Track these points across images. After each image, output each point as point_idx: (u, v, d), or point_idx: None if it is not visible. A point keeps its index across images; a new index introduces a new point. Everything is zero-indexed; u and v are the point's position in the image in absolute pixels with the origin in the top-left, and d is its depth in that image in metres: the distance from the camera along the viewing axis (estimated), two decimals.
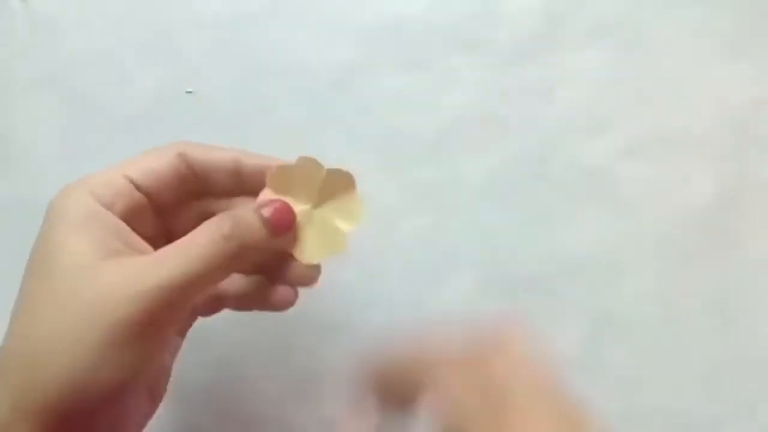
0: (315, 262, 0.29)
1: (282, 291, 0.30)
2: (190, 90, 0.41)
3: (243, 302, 0.30)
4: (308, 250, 0.29)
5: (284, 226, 0.28)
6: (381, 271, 0.39)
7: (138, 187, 0.28)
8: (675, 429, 0.38)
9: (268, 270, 0.30)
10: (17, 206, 0.40)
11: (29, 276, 0.26)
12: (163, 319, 0.25)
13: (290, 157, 0.40)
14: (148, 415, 0.28)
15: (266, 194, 0.29)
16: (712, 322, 0.38)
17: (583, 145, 0.40)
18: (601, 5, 0.40)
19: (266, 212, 0.27)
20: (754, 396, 0.38)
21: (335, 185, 0.29)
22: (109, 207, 0.27)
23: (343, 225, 0.30)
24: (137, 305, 0.24)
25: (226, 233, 0.26)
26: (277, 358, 0.39)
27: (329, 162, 0.29)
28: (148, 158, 0.28)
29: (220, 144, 0.30)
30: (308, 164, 0.29)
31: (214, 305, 0.30)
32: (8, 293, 0.39)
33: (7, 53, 0.41)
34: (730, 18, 0.40)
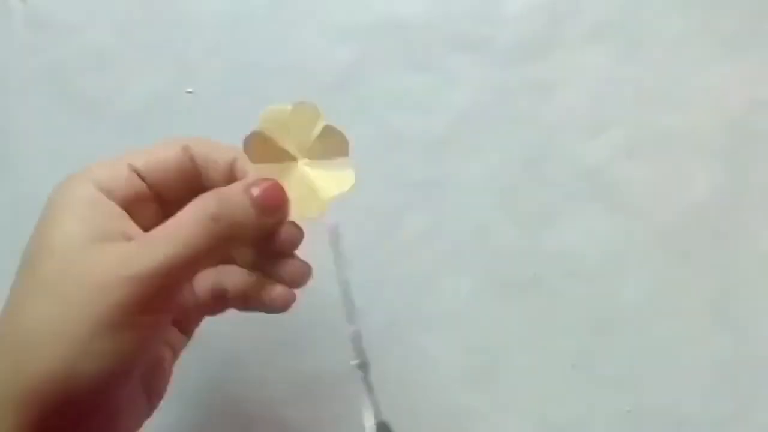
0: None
1: (279, 290, 0.29)
2: (190, 90, 0.41)
3: (244, 300, 0.29)
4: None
5: (274, 206, 0.27)
6: (381, 270, 0.39)
7: (141, 176, 0.27)
8: (675, 429, 0.38)
9: (266, 267, 0.29)
10: (17, 206, 0.40)
11: (23, 260, 0.26)
12: (151, 307, 0.24)
13: None
14: (145, 414, 0.28)
15: (257, 173, 0.28)
16: (711, 322, 0.38)
17: (583, 144, 0.40)
18: (601, 5, 0.40)
19: (255, 192, 0.27)
20: (754, 395, 0.38)
21: (328, 144, 0.28)
22: (108, 194, 0.26)
23: (330, 189, 0.28)
24: (122, 291, 0.23)
25: (212, 213, 0.25)
26: (277, 359, 0.39)
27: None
28: (154, 149, 0.28)
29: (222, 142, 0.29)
30: (307, 110, 0.28)
31: (218, 304, 0.30)
32: (8, 291, 0.39)
33: (6, 53, 0.41)
34: (730, 18, 0.40)
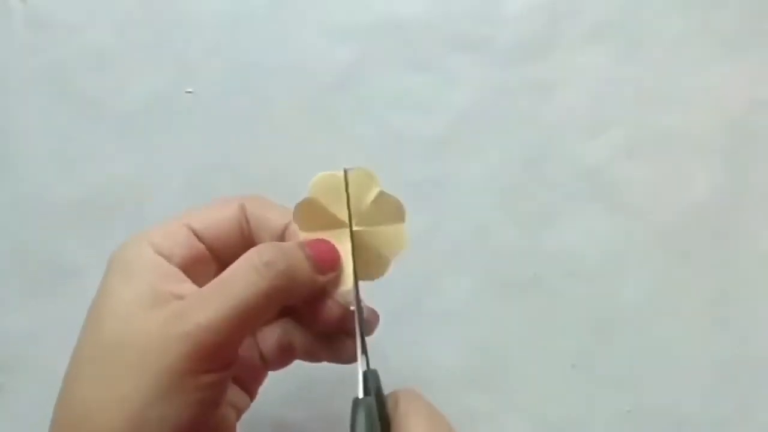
0: (349, 287, 0.27)
1: (348, 345, 0.28)
2: (190, 90, 0.41)
3: (312, 354, 0.28)
4: (344, 274, 0.27)
5: (328, 265, 0.26)
6: None
7: (199, 237, 0.27)
8: (675, 429, 0.38)
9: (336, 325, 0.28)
10: (17, 206, 0.40)
11: (85, 322, 0.25)
12: (209, 366, 0.23)
13: (290, 160, 0.40)
14: None
15: (306, 236, 0.27)
16: (711, 321, 0.38)
17: (583, 144, 0.40)
18: (601, 5, 0.40)
19: (308, 250, 0.26)
20: (754, 395, 0.38)
21: (383, 211, 0.27)
22: (168, 257, 0.26)
23: (388, 250, 0.28)
24: (175, 352, 0.22)
25: (267, 260, 0.24)
26: None
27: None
28: (212, 208, 0.28)
29: (275, 202, 0.29)
30: (361, 177, 0.27)
31: (284, 358, 0.29)
32: (8, 292, 0.39)
33: (6, 53, 0.41)
34: (730, 18, 0.40)
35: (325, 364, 0.38)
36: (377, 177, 0.27)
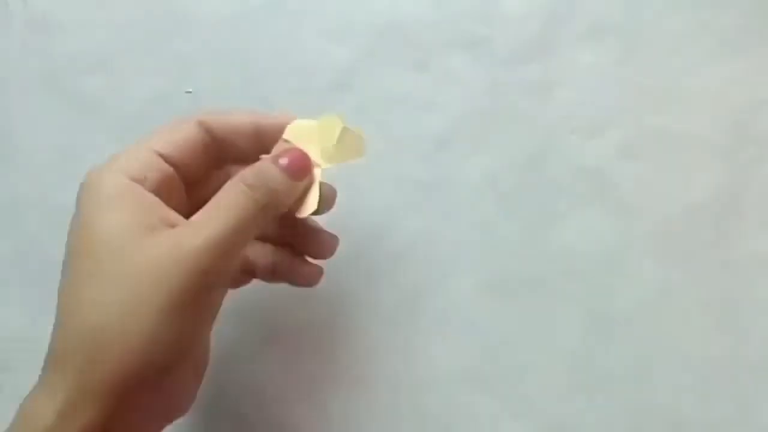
0: (310, 213, 0.30)
1: (308, 267, 0.32)
2: (190, 90, 0.41)
3: (272, 274, 0.31)
4: (310, 205, 0.30)
5: (302, 170, 0.29)
6: (381, 271, 0.39)
7: (167, 160, 0.28)
8: (674, 429, 0.38)
9: (295, 243, 0.32)
10: (17, 206, 0.40)
11: (72, 255, 0.26)
12: (211, 284, 0.25)
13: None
14: (193, 392, 0.29)
15: (280, 146, 0.30)
16: (711, 322, 0.38)
17: (583, 144, 0.40)
18: (601, 5, 0.40)
19: (283, 161, 0.28)
20: (753, 396, 0.38)
21: (346, 145, 0.30)
22: (141, 182, 0.27)
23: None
24: (180, 275, 0.24)
25: (249, 183, 0.27)
26: (278, 359, 0.39)
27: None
28: (173, 130, 0.29)
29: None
30: (331, 121, 0.30)
31: (243, 277, 0.31)
32: (8, 292, 0.39)
33: (6, 53, 0.41)
34: (730, 18, 0.40)
35: (326, 362, 0.38)
36: (344, 117, 0.30)
